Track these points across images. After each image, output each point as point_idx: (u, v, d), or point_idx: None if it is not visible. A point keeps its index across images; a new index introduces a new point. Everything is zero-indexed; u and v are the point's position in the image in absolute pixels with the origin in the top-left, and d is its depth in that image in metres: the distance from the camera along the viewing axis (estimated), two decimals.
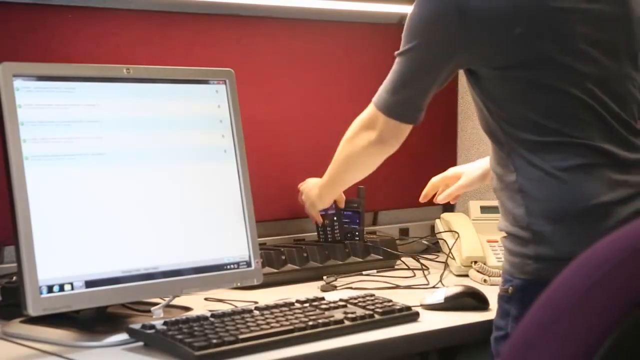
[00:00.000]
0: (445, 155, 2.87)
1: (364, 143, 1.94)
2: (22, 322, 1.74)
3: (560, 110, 1.70)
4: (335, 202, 2.33)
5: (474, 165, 2.26)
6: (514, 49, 1.69)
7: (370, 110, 1.91)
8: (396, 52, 1.81)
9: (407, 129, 1.88)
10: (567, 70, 1.70)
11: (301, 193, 2.34)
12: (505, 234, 1.77)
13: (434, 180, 2.30)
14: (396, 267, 2.43)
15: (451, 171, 2.30)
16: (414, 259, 2.44)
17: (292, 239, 2.44)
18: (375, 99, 1.88)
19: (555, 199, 1.68)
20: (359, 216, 2.40)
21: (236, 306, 1.88)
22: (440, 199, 2.29)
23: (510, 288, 1.71)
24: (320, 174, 2.24)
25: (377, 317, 1.80)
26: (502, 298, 1.75)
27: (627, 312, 1.06)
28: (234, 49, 2.41)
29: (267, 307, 1.77)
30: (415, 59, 1.79)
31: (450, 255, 2.37)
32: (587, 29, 1.71)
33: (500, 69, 1.71)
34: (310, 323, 1.70)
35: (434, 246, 2.63)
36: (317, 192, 2.25)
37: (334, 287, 2.17)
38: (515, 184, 1.72)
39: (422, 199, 2.32)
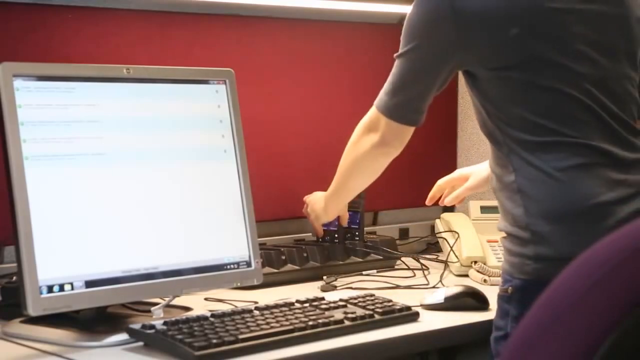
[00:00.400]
0: (445, 155, 2.87)
1: (368, 146, 1.94)
2: (22, 322, 1.74)
3: (558, 110, 1.70)
4: (338, 218, 2.32)
5: (481, 166, 2.25)
6: (510, 49, 1.70)
7: (372, 112, 1.91)
8: (395, 54, 1.82)
9: (409, 130, 1.88)
10: (564, 71, 1.70)
11: (306, 205, 2.33)
12: (504, 234, 1.77)
13: (440, 182, 2.29)
14: (396, 267, 2.43)
15: (457, 173, 2.30)
16: (414, 259, 2.44)
17: (292, 239, 2.44)
18: (376, 101, 1.89)
19: (554, 199, 1.68)
20: (359, 216, 2.40)
21: (236, 306, 1.88)
22: (447, 201, 2.28)
23: (510, 288, 1.71)
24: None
25: (377, 317, 1.80)
26: (501, 298, 1.75)
27: (627, 312, 1.06)
28: (234, 49, 2.41)
29: (267, 307, 1.77)
30: (414, 61, 1.79)
31: (451, 255, 2.37)
32: (584, 30, 1.71)
33: (497, 70, 1.72)
34: (310, 323, 1.70)
35: (433, 246, 2.63)
36: (323, 204, 2.24)
37: (334, 287, 2.17)
38: (514, 184, 1.72)
39: (428, 202, 2.31)
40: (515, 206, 1.71)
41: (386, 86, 1.86)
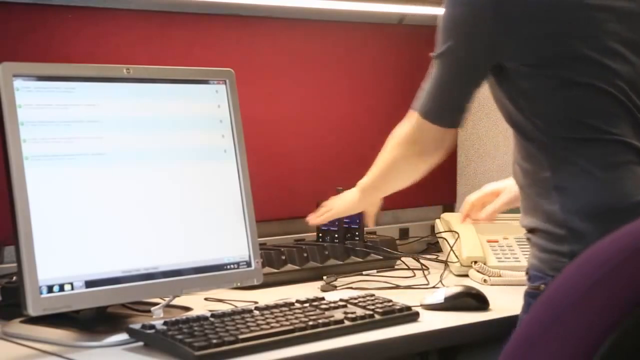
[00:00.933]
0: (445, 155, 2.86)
1: (409, 154, 1.90)
2: (22, 322, 1.73)
3: (596, 107, 1.69)
4: (361, 214, 2.27)
5: (512, 180, 2.21)
6: (547, 45, 1.69)
7: (413, 120, 1.85)
8: (432, 54, 1.78)
9: (451, 134, 1.84)
10: (599, 68, 1.69)
11: (329, 203, 2.23)
12: (532, 231, 1.75)
13: (471, 199, 2.25)
14: (396, 267, 2.42)
15: (489, 188, 2.24)
16: (414, 259, 2.44)
17: (292, 239, 2.44)
18: (418, 107, 1.83)
19: (593, 197, 1.67)
20: (359, 216, 2.40)
21: (236, 306, 1.88)
22: (483, 218, 2.22)
23: (543, 285, 1.70)
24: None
25: (377, 317, 1.80)
26: (530, 295, 1.73)
27: (628, 312, 1.06)
28: (234, 49, 2.41)
29: (267, 307, 1.77)
30: (453, 60, 1.76)
31: (451, 255, 2.37)
32: (618, 27, 1.71)
33: (534, 66, 1.70)
34: (310, 323, 1.70)
35: (434, 246, 2.63)
36: (359, 195, 2.13)
37: (334, 287, 2.17)
38: (550, 181, 1.70)
39: (462, 220, 2.28)
40: (550, 203, 1.70)
41: (427, 90, 1.81)
